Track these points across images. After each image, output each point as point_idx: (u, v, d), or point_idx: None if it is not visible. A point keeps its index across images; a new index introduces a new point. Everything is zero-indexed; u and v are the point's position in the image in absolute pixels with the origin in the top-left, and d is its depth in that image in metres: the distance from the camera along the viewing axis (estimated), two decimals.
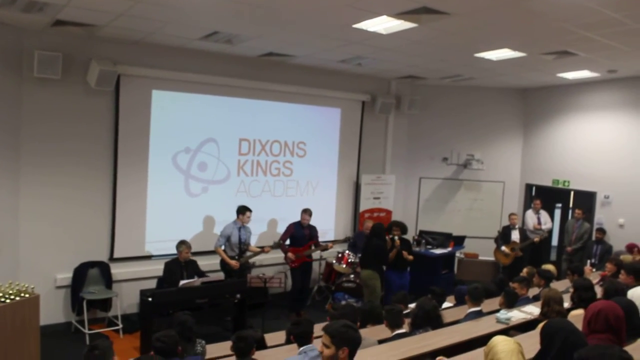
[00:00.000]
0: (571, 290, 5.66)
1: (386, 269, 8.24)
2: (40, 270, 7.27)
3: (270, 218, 9.41)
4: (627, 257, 7.93)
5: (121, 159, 7.88)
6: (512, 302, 6.09)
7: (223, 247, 7.93)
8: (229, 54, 8.35)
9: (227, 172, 9.00)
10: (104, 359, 3.42)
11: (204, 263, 8.03)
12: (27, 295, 5.60)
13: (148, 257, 8.26)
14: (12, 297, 5.46)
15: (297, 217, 8.64)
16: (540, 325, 4.32)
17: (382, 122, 10.95)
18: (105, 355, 3.43)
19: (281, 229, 8.98)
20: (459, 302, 6.64)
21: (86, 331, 7.17)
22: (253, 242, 8.51)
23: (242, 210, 7.93)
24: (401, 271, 8.44)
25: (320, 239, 9.15)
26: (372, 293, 7.93)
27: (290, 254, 8.42)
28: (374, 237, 8.10)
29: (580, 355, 2.34)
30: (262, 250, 8.13)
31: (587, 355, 2.29)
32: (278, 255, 8.78)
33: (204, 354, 4.85)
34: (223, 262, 7.90)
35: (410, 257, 8.42)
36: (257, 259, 8.76)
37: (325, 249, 8.84)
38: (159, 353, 3.96)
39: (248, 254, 8.04)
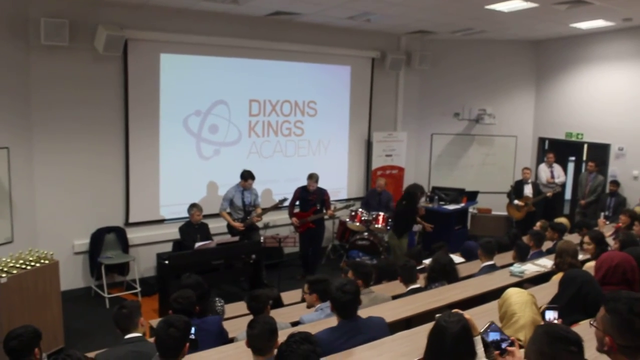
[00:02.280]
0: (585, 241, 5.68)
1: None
2: (58, 237, 7.37)
3: (283, 178, 9.41)
4: None
5: (132, 123, 7.89)
6: (523, 255, 6.13)
7: (228, 210, 7.92)
8: (236, 14, 8.25)
9: (239, 134, 8.99)
10: (131, 318, 3.63)
11: (217, 225, 8.10)
12: (46, 262, 5.73)
13: (163, 221, 8.35)
14: (32, 263, 5.59)
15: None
16: (557, 275, 4.36)
17: (392, 78, 10.83)
18: (132, 314, 3.65)
19: (294, 188, 8.73)
20: (467, 258, 6.70)
21: (106, 295, 7.32)
22: (269, 203, 8.60)
23: (245, 177, 7.86)
24: None
25: (333, 198, 9.13)
26: (392, 252, 8.38)
27: (294, 219, 8.40)
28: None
29: (615, 308, 2.24)
30: (275, 206, 8.26)
31: (622, 308, 2.21)
32: None
33: (223, 313, 4.96)
34: (229, 225, 7.93)
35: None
36: (271, 220, 8.82)
37: (328, 217, 8.69)
38: (177, 314, 4.05)
39: (254, 213, 7.97)
